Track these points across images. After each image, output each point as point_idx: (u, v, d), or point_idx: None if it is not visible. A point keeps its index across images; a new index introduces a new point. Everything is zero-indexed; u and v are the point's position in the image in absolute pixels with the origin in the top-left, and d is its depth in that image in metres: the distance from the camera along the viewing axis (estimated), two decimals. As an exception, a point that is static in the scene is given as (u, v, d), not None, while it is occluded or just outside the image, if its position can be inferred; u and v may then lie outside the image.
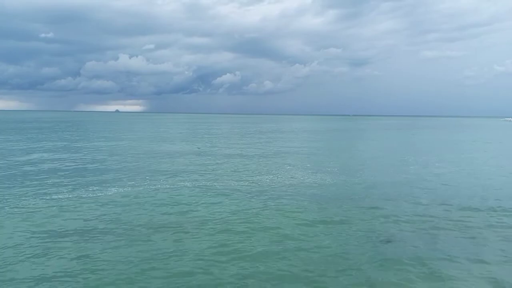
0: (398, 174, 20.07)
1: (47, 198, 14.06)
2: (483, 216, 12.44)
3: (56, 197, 14.20)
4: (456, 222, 11.71)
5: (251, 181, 17.69)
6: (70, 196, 14.30)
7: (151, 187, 16.13)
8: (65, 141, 38.31)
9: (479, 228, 11.18)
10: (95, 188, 15.66)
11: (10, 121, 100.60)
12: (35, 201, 13.61)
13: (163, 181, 17.44)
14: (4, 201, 13.54)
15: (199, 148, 32.45)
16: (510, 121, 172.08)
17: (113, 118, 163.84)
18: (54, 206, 12.87)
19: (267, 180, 18.03)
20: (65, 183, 16.74)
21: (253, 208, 13.00)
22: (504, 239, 10.26)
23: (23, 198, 13.96)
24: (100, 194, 14.62)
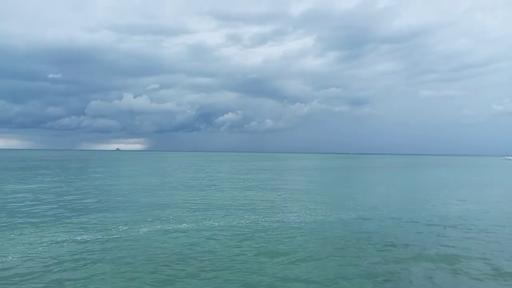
0: (408, 212, 20.17)
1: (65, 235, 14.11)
2: (490, 263, 12.46)
3: (86, 236, 14.27)
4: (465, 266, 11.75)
5: (267, 217, 17.87)
6: (94, 236, 14.38)
7: (175, 225, 16.22)
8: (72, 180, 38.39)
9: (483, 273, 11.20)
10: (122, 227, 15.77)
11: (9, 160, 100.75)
12: (34, 239, 13.67)
13: (190, 218, 17.54)
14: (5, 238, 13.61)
15: (215, 186, 32.70)
16: (510, 159, 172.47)
17: (114, 157, 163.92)
18: (87, 242, 12.94)
19: (281, 216, 18.19)
20: (93, 221, 16.84)
21: (266, 243, 13.16)
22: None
23: (29, 237, 14.03)
24: (129, 233, 14.72)
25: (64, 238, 13.46)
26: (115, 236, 13.79)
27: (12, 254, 11.48)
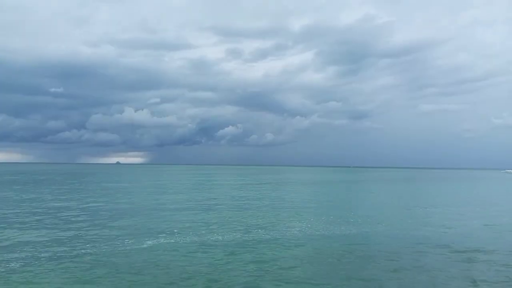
0: (409, 227, 20.37)
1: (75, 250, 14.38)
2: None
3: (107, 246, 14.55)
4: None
5: (266, 232, 18.07)
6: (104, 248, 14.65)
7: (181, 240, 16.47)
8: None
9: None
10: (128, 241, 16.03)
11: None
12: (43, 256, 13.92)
13: (193, 234, 17.78)
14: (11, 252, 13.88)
15: (215, 199, 32.95)
16: (510, 173, 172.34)
17: (115, 170, 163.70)
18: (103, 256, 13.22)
19: (281, 230, 18.31)
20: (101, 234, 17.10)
21: (266, 256, 13.44)
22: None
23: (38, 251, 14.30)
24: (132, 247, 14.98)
25: (63, 251, 13.74)
26: (118, 249, 14.06)
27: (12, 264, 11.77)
